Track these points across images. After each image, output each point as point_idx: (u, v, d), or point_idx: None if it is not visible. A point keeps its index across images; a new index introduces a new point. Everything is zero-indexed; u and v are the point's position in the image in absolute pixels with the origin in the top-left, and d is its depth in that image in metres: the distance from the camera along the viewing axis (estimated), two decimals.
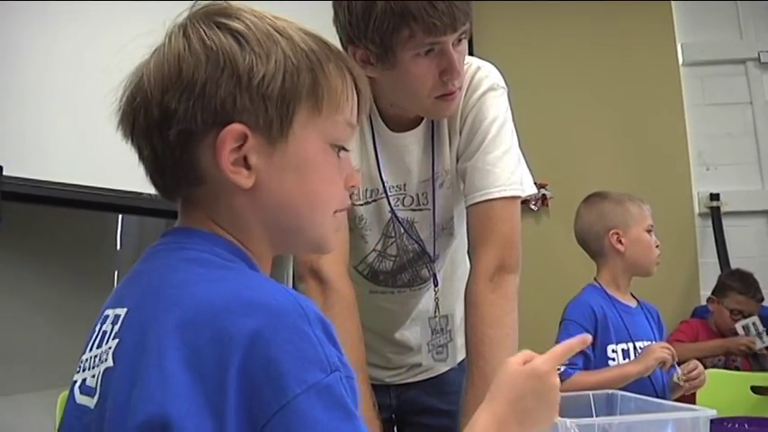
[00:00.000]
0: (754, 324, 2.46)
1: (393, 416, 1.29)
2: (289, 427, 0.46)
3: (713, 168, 3.07)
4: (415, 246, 1.13)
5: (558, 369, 1.46)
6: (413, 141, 1.08)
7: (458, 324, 1.15)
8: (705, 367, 1.68)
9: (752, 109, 3.05)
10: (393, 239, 1.12)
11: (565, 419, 0.80)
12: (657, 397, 1.51)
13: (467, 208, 1.04)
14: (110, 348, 0.54)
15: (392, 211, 1.09)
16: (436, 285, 1.15)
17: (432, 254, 1.14)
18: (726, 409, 1.82)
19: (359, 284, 1.17)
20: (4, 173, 1.45)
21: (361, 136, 1.07)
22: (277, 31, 0.57)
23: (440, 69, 0.94)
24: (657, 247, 1.62)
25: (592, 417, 1.00)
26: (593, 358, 1.51)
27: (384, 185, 1.08)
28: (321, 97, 0.58)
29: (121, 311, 0.55)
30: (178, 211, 0.61)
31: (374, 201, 1.09)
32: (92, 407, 0.54)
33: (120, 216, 2.14)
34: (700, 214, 3.04)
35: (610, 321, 1.54)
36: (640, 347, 1.54)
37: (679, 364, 1.55)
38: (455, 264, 1.21)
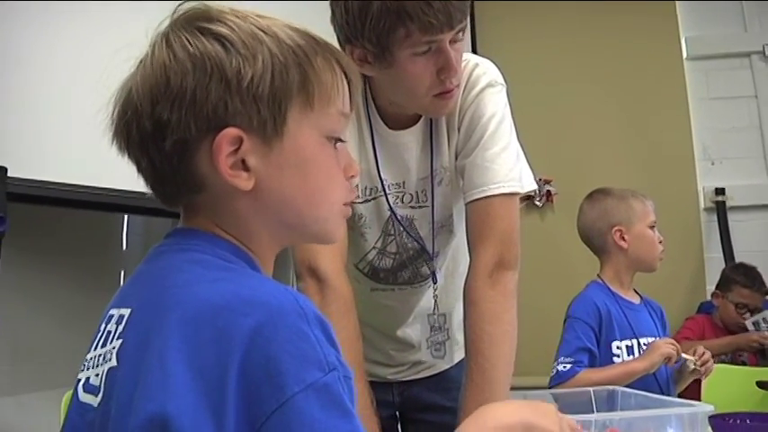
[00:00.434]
0: (764, 319, 2.45)
1: (396, 413, 1.29)
2: (287, 425, 0.46)
3: (718, 163, 3.05)
4: (415, 243, 1.13)
5: (564, 367, 1.47)
6: (411, 139, 1.08)
7: (460, 321, 1.15)
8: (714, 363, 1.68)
9: (757, 103, 3.03)
10: (393, 237, 1.12)
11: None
12: (661, 392, 1.51)
13: (465, 205, 1.03)
14: (114, 348, 0.54)
15: (391, 209, 1.09)
16: (435, 283, 1.15)
17: (431, 251, 1.14)
18: (731, 403, 1.81)
19: (360, 282, 1.17)
20: (9, 174, 1.46)
21: (359, 134, 1.07)
22: (261, 30, 0.57)
23: (437, 67, 0.94)
24: (661, 243, 1.62)
25: (592, 413, 1.00)
26: (598, 356, 1.51)
27: (383, 183, 1.08)
28: (312, 92, 0.58)
29: (125, 311, 0.56)
30: (180, 215, 0.62)
31: (373, 198, 1.10)
32: (95, 405, 0.54)
33: (126, 216, 2.15)
34: (705, 209, 3.03)
35: (614, 318, 1.54)
36: (644, 344, 1.54)
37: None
38: (457, 261, 1.21)
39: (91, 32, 1.55)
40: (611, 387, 1.06)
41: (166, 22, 0.58)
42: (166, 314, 0.50)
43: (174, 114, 0.54)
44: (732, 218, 2.94)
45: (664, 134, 3.04)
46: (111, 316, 0.57)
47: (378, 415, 1.00)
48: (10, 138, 1.48)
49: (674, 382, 1.60)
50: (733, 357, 2.47)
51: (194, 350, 0.48)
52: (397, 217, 1.10)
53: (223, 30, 0.56)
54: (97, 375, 0.55)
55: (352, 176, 0.63)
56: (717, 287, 2.60)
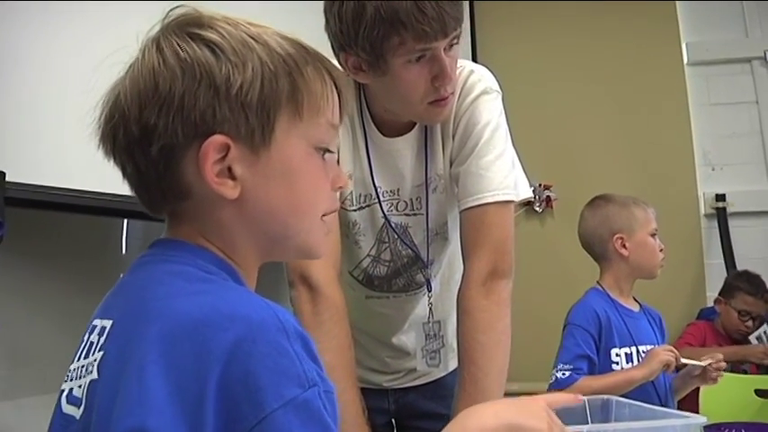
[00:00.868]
0: (765, 333, 2.45)
1: (392, 420, 1.29)
2: None
3: (719, 168, 3.04)
4: (409, 251, 1.13)
5: (563, 374, 1.46)
6: (406, 146, 1.07)
7: (454, 329, 1.15)
8: None
9: (758, 108, 3.02)
10: (387, 245, 1.12)
11: None
12: (660, 400, 1.50)
13: (460, 213, 1.03)
14: (95, 360, 0.54)
15: (385, 216, 1.09)
16: (430, 291, 1.15)
17: (425, 259, 1.14)
18: (730, 412, 1.81)
19: (355, 289, 1.17)
20: (8, 179, 1.46)
21: (353, 141, 1.07)
22: (252, 38, 0.56)
23: (432, 75, 0.94)
24: (662, 251, 1.61)
25: (587, 423, 1.00)
26: (597, 363, 1.50)
27: (377, 190, 1.08)
28: (301, 101, 0.57)
29: (107, 323, 0.55)
30: (165, 224, 0.61)
31: (367, 206, 1.09)
32: (77, 417, 0.54)
33: (125, 220, 2.15)
34: (705, 215, 3.02)
35: (613, 325, 1.54)
36: (643, 352, 1.53)
37: (685, 366, 1.54)
38: (452, 268, 1.20)
39: (91, 35, 1.54)
40: (605, 396, 1.06)
41: (157, 27, 0.58)
42: (146, 327, 0.50)
43: (162, 120, 0.53)
44: (733, 224, 2.93)
45: (664, 139, 3.04)
46: (95, 327, 0.57)
47: (370, 424, 1.00)
48: (9, 142, 1.49)
49: (675, 390, 1.59)
50: (734, 366, 2.46)
51: (173, 364, 0.47)
52: (391, 224, 1.10)
53: (214, 36, 0.56)
54: (80, 387, 0.55)
55: (340, 188, 0.63)
56: (720, 293, 2.59)
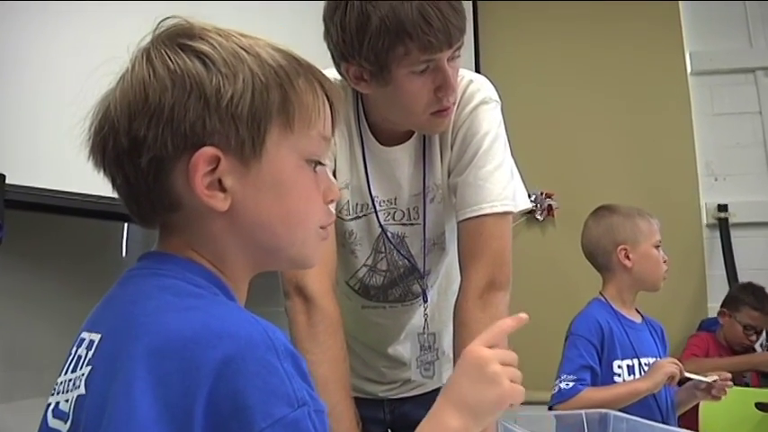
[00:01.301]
0: None
1: (388, 430, 1.28)
2: None
3: (721, 179, 3.03)
4: (405, 261, 1.12)
5: (567, 384, 1.45)
6: (403, 155, 1.07)
7: (450, 340, 1.14)
8: None
9: (761, 119, 3.00)
10: (383, 254, 1.11)
11: None
12: (661, 413, 1.49)
13: (458, 224, 1.03)
14: (83, 375, 0.53)
15: (381, 225, 1.09)
16: (426, 301, 1.14)
17: (422, 269, 1.13)
18: (730, 425, 1.79)
19: (351, 299, 1.16)
20: (7, 181, 1.46)
21: (350, 149, 1.06)
22: (243, 50, 0.56)
23: (435, 86, 0.94)
24: (665, 262, 1.60)
25: None
26: (599, 374, 1.49)
27: (373, 200, 1.07)
28: (292, 113, 0.57)
29: (96, 337, 0.55)
30: (157, 237, 0.60)
31: (364, 215, 1.09)
32: None
33: (126, 223, 2.15)
34: (707, 225, 3.00)
35: (615, 337, 1.52)
36: (645, 364, 1.52)
37: (688, 380, 1.53)
38: (450, 279, 1.20)
39: (90, 36, 1.54)
40: (603, 411, 1.05)
41: (148, 38, 0.58)
42: (134, 343, 0.49)
43: (151, 131, 0.53)
44: (735, 235, 2.92)
45: (667, 149, 3.02)
46: (83, 340, 0.56)
47: None
48: (8, 145, 1.49)
49: (678, 403, 1.58)
50: (735, 378, 2.45)
51: (161, 382, 0.47)
52: (387, 234, 1.10)
53: (205, 47, 0.55)
54: (67, 401, 0.54)
55: (332, 201, 0.62)
56: (723, 305, 2.56)
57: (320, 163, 0.60)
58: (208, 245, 0.57)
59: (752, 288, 2.53)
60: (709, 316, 2.78)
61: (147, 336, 0.50)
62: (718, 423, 1.79)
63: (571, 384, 1.44)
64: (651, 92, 3.04)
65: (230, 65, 0.55)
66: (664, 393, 1.51)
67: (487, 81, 1.08)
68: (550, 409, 1.43)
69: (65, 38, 1.54)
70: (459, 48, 0.94)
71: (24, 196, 1.49)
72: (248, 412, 0.46)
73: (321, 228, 0.61)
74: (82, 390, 0.52)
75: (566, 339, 1.55)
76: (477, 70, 2.77)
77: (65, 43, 1.54)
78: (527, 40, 3.18)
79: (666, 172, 2.99)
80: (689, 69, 3.09)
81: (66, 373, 0.57)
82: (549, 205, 3.08)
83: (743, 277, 2.73)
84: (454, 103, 1.00)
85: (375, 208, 1.07)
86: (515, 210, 1.05)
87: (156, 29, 0.58)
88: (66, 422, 0.53)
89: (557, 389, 1.45)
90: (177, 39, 0.56)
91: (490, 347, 0.66)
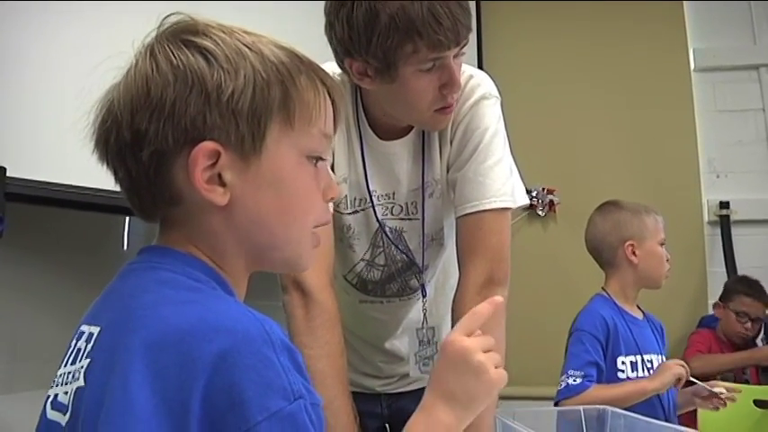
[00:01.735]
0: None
1: (386, 425, 1.28)
2: None
3: (723, 176, 3.02)
4: (403, 256, 1.12)
5: (575, 380, 1.45)
6: (402, 149, 1.07)
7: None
8: (714, 379, 1.67)
9: (764, 116, 2.99)
10: (381, 249, 1.11)
11: None
12: (664, 412, 1.49)
13: (456, 219, 1.02)
14: (82, 367, 0.54)
15: (378, 220, 1.08)
16: (425, 296, 1.15)
17: (420, 264, 1.13)
18: (728, 422, 1.79)
19: (349, 294, 1.16)
20: (9, 174, 1.46)
21: (348, 143, 1.06)
22: (246, 46, 0.56)
23: (440, 83, 0.94)
24: (668, 260, 1.60)
25: None
26: (604, 370, 1.50)
27: (371, 194, 1.07)
28: (293, 110, 0.57)
29: (95, 329, 0.55)
30: (158, 231, 0.61)
31: (362, 210, 1.09)
32: (63, 424, 0.53)
33: (128, 218, 2.16)
34: (709, 222, 2.99)
35: (620, 333, 1.52)
36: (648, 360, 1.52)
37: (699, 378, 1.53)
38: (447, 274, 1.19)
39: (90, 34, 1.54)
40: (600, 407, 1.05)
41: (153, 34, 0.58)
42: (132, 336, 0.50)
43: (153, 125, 0.54)
44: (736, 232, 2.92)
45: (669, 145, 3.02)
46: (82, 333, 0.57)
47: (362, 430, 1.00)
48: (10, 138, 1.49)
49: (678, 405, 1.58)
50: (735, 375, 2.45)
51: (158, 375, 0.47)
52: (384, 229, 1.10)
53: (207, 43, 0.56)
54: (66, 393, 0.54)
55: (332, 199, 0.63)
56: (719, 298, 2.59)
57: (321, 159, 0.61)
58: (207, 240, 0.58)
59: (746, 279, 2.56)
60: (710, 313, 2.78)
61: (144, 329, 0.50)
62: (716, 420, 1.79)
63: (579, 380, 1.43)
64: (654, 88, 3.04)
65: (232, 61, 0.55)
66: (667, 393, 1.51)
67: (487, 76, 1.08)
68: (556, 404, 1.43)
69: (65, 36, 1.55)
70: (464, 45, 0.94)
71: (25, 189, 1.49)
72: (244, 405, 0.46)
73: (317, 226, 0.61)
74: (81, 382, 0.53)
75: (569, 335, 1.55)
76: (480, 67, 2.76)
77: (65, 42, 1.54)
78: (530, 38, 3.18)
79: (668, 168, 2.99)
80: (692, 66, 3.09)
81: (65, 365, 0.57)
82: (551, 201, 3.08)
83: (743, 274, 2.72)
84: (457, 100, 0.99)
85: (373, 202, 1.07)
86: (514, 206, 1.05)
87: (160, 25, 0.58)
88: (65, 414, 0.54)
89: (564, 384, 1.44)
90: (181, 35, 0.57)
91: (469, 336, 0.66)
